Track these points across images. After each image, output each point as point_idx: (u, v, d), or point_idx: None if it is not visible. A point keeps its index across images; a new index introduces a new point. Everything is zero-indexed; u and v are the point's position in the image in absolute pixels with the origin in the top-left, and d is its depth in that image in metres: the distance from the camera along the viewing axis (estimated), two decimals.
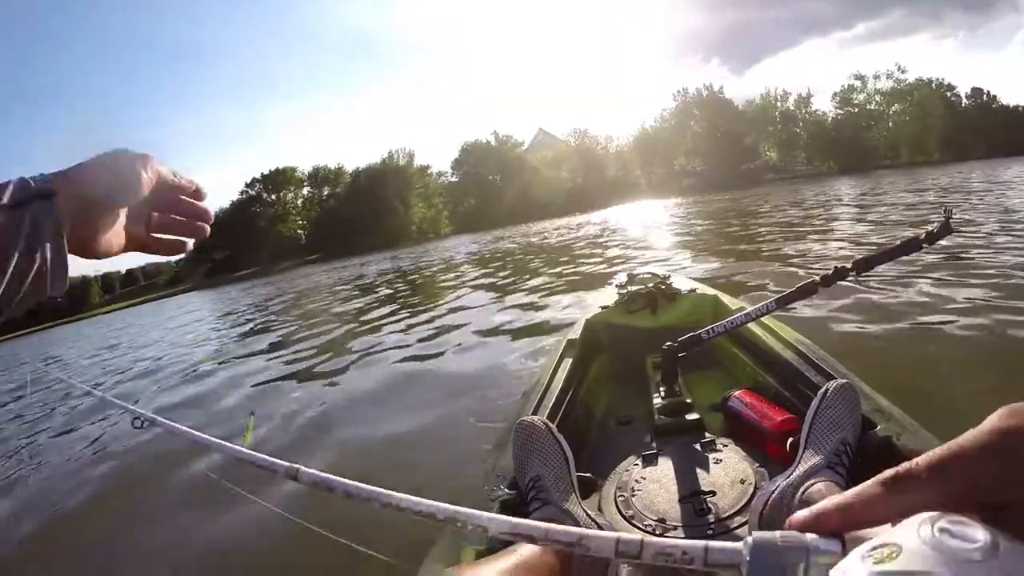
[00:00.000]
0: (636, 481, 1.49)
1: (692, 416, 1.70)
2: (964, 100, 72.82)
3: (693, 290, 2.57)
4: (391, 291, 10.98)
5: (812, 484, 1.15)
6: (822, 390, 1.34)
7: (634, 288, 2.56)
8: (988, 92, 73.10)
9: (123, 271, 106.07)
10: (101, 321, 37.56)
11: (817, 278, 1.70)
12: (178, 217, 0.65)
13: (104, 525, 2.76)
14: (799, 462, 1.25)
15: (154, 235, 0.65)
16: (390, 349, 5.19)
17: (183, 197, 0.64)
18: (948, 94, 72.04)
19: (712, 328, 1.76)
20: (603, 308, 2.56)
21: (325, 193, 73.89)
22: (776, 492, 1.19)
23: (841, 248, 6.52)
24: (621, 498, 1.44)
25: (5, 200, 0.48)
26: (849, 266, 1.66)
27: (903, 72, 71.89)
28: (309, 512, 1.33)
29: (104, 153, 0.57)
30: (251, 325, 10.43)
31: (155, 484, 3.04)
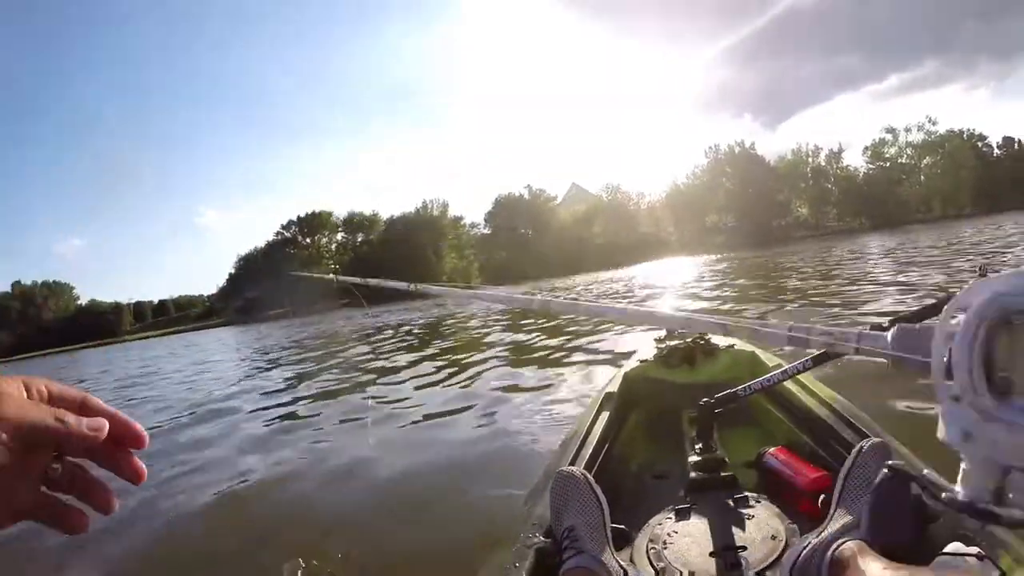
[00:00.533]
0: (668, 534, 1.50)
1: (726, 473, 1.72)
2: (996, 150, 72.27)
3: (731, 346, 2.58)
4: (426, 340, 11.04)
5: (843, 543, 1.15)
6: (856, 448, 1.35)
7: (673, 343, 2.58)
8: (1020, 140, 72.49)
9: (155, 301, 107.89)
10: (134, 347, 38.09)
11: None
12: (92, 474, 0.50)
13: None
14: (831, 520, 1.26)
15: (48, 496, 0.48)
16: (429, 396, 5.25)
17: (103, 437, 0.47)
18: (980, 144, 71.63)
19: (749, 386, 1.78)
20: (641, 362, 2.59)
21: (359, 239, 75.10)
22: (807, 549, 1.20)
23: (875, 306, 6.48)
24: (653, 550, 1.45)
25: None
26: (885, 324, 1.68)
27: (934, 124, 72.13)
28: None
29: None
30: (300, 367, 10.52)
31: None
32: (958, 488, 0.57)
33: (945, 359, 0.51)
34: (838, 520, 1.24)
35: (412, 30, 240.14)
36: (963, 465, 0.55)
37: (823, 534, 1.22)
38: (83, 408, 0.49)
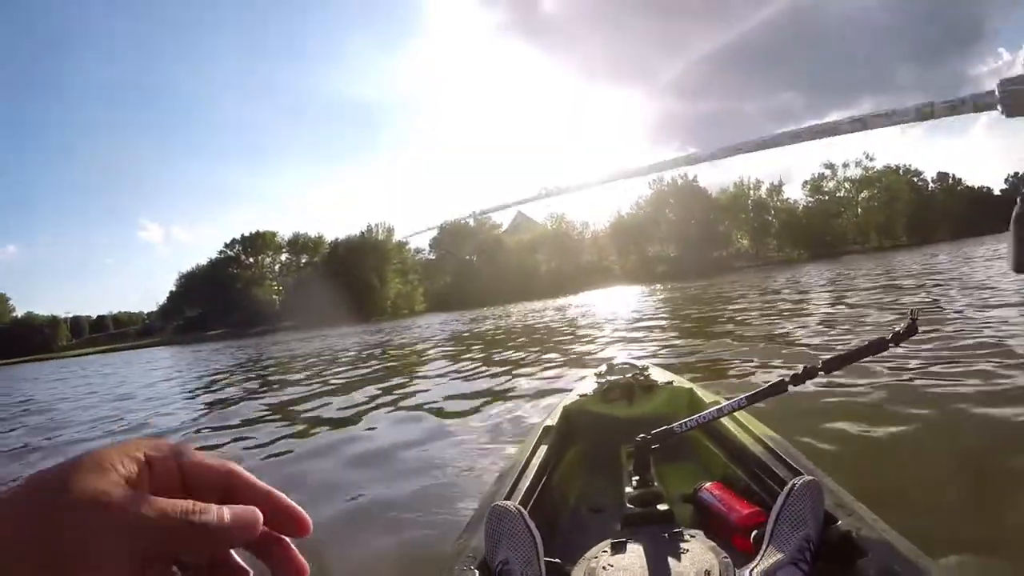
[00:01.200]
0: (604, 568, 1.49)
1: (663, 507, 1.73)
2: (931, 184, 76.01)
3: (670, 382, 2.63)
4: (367, 366, 10.92)
5: None
6: (788, 486, 1.37)
7: (613, 378, 2.62)
8: (953, 175, 76.77)
9: (94, 316, 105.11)
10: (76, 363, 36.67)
11: (787, 377, 1.76)
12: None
13: None
14: (762, 556, 1.27)
15: None
16: (364, 422, 5.18)
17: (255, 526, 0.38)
18: (915, 179, 75.39)
19: (685, 422, 1.81)
20: (581, 396, 2.62)
21: (303, 261, 74.29)
22: None
23: (810, 336, 6.68)
24: None
25: None
26: (819, 365, 1.73)
27: (871, 160, 75.36)
28: None
29: (35, 484, 0.32)
30: (235, 389, 10.23)
31: None
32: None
33: None
34: (769, 557, 1.26)
35: (372, 51, 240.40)
36: None
37: (755, 571, 1.23)
38: (228, 489, 0.39)
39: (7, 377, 30.10)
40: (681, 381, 2.69)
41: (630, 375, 2.62)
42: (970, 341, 5.18)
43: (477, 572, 1.37)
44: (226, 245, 74.05)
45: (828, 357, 1.76)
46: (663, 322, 11.63)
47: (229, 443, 5.22)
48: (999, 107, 0.85)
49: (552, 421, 2.40)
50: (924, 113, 0.99)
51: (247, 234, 73.93)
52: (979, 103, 0.91)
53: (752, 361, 5.77)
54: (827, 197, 75.60)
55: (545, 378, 6.42)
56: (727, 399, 1.90)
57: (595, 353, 7.98)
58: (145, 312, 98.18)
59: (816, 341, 6.50)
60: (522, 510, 1.43)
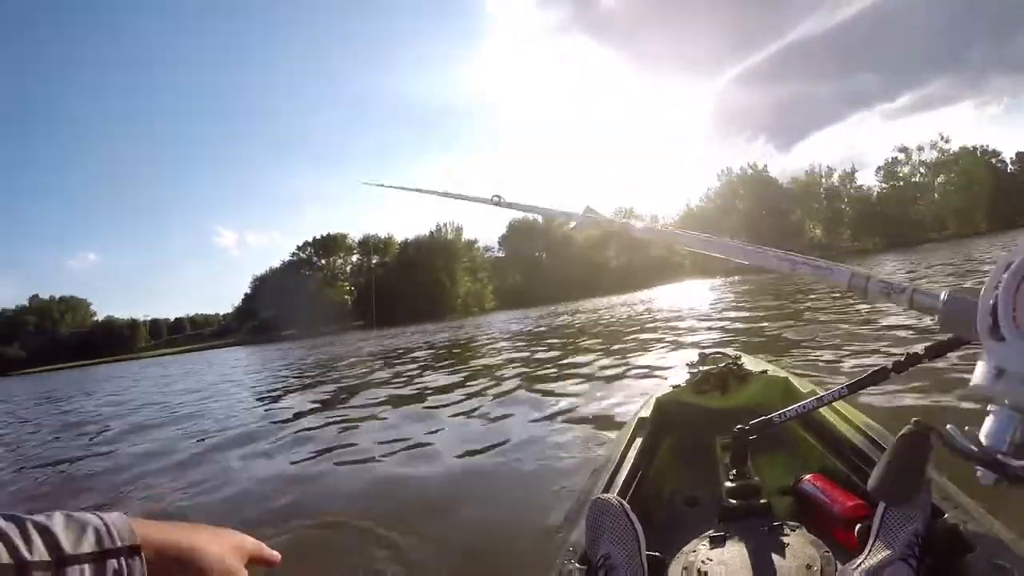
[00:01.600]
0: (703, 562, 1.48)
1: (761, 500, 1.72)
2: (1009, 165, 71.76)
3: (764, 371, 2.59)
4: (447, 363, 11.01)
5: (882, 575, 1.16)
6: None
7: (705, 368, 2.59)
8: None
9: (172, 319, 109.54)
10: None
11: (889, 364, 1.71)
12: None
13: None
14: (870, 551, 1.26)
15: None
16: (458, 421, 5.22)
17: None
18: (993, 160, 71.22)
19: (784, 412, 1.78)
20: (674, 387, 2.60)
21: (374, 261, 75.62)
22: None
23: (901, 330, 6.43)
24: None
25: (86, 548, 0.48)
26: (921, 351, 1.68)
27: (947, 142, 71.99)
28: None
29: (201, 528, 0.59)
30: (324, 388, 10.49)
31: None
32: (982, 436, 0.71)
33: (991, 302, 0.64)
34: (877, 552, 1.24)
35: (437, 55, 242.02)
36: (988, 419, 0.72)
37: (862, 565, 1.22)
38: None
39: (88, 377, 31.58)
40: (776, 370, 2.64)
41: (723, 364, 2.60)
42: None
43: (579, 566, 1.39)
44: (298, 248, 76.33)
45: (931, 344, 1.70)
46: (744, 313, 11.40)
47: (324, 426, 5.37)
48: (936, 316, 0.80)
49: (646, 413, 2.40)
50: (854, 286, 0.94)
51: (319, 236, 75.92)
52: (917, 303, 0.83)
53: (843, 350, 5.62)
54: (902, 183, 72.26)
55: (636, 369, 6.39)
56: (824, 388, 1.86)
57: (683, 345, 7.90)
58: (220, 314, 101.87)
59: (908, 330, 6.24)
60: (624, 503, 1.44)
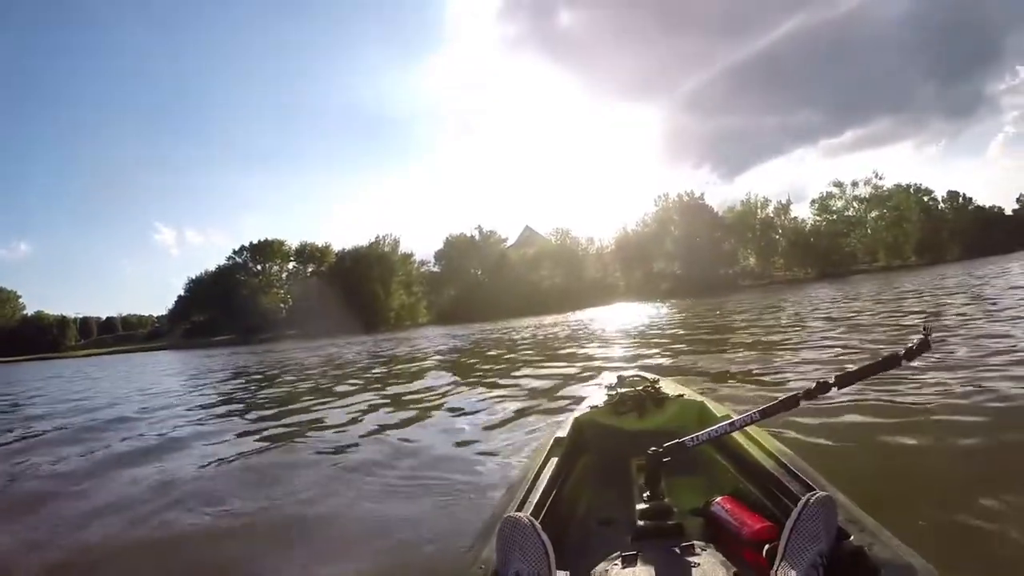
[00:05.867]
0: None
1: (673, 521, 1.73)
2: (941, 203, 75.52)
3: (680, 395, 2.63)
4: (372, 376, 10.90)
5: None
6: (803, 501, 1.38)
7: (623, 390, 2.62)
8: (964, 195, 76.45)
9: (103, 317, 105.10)
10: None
11: (800, 392, 1.77)
12: None
13: None
14: (776, 572, 1.28)
15: None
16: (373, 437, 5.08)
17: None
18: (925, 198, 74.76)
19: (697, 436, 1.81)
20: (592, 408, 2.62)
21: (309, 270, 74.52)
22: None
23: (818, 355, 6.65)
24: None
25: None
26: (831, 381, 1.74)
27: (880, 179, 74.45)
28: None
29: None
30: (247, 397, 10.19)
31: None
32: None
33: None
34: (783, 572, 1.26)
35: (393, 64, 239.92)
36: None
37: None
38: None
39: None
40: (692, 395, 2.69)
41: (641, 387, 2.63)
42: (980, 353, 5.24)
43: None
44: (234, 252, 74.34)
45: (841, 373, 1.77)
46: (670, 338, 11.60)
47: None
48: None
49: (563, 433, 2.40)
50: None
51: (255, 242, 74.30)
52: None
53: (763, 377, 5.77)
54: (835, 216, 74.99)
55: (554, 390, 6.40)
56: (738, 413, 1.90)
57: (604, 367, 7.94)
58: (155, 315, 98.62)
59: (826, 357, 6.48)
60: (534, 521, 1.43)
